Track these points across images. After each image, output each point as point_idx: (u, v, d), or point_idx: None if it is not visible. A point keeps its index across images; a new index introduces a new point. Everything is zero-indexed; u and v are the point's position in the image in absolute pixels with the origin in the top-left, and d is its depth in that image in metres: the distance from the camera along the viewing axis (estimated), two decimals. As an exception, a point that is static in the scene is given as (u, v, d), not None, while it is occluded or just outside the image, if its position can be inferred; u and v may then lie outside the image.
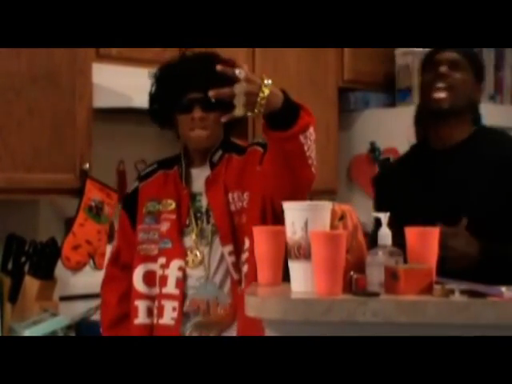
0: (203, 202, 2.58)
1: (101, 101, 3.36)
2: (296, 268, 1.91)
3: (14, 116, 3.16)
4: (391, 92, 4.51)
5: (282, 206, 1.96)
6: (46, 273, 3.30)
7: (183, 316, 2.51)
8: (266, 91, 2.14)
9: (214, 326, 2.50)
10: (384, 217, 1.99)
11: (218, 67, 2.19)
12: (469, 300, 1.83)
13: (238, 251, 2.49)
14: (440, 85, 2.53)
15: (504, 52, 4.46)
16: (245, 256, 2.46)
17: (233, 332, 2.48)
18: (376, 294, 1.85)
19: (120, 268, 2.69)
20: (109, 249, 3.42)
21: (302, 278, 1.90)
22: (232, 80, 2.23)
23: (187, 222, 2.57)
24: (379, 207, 2.64)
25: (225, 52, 3.69)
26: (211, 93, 2.20)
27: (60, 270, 3.33)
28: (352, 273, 1.91)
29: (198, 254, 2.53)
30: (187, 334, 2.51)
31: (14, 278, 3.29)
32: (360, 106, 4.50)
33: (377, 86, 4.52)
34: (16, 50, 3.09)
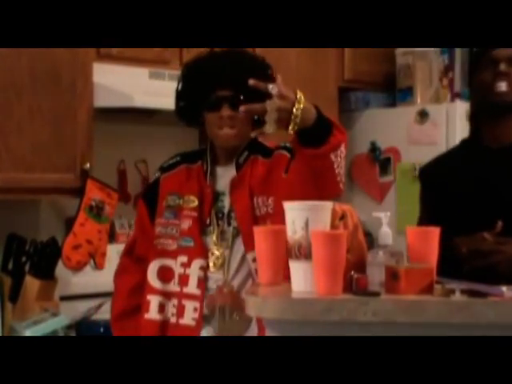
0: (226, 202, 2.53)
1: (101, 100, 3.36)
2: (296, 268, 1.91)
3: (15, 115, 3.16)
4: (392, 92, 4.51)
5: None
6: (46, 272, 3.30)
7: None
8: (300, 108, 2.12)
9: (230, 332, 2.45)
10: (384, 217, 1.99)
11: (251, 82, 2.17)
12: (469, 300, 1.83)
13: None
14: (501, 83, 2.46)
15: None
16: None
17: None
18: (376, 294, 1.85)
19: (134, 260, 2.63)
20: (109, 248, 3.44)
21: (303, 278, 1.90)
22: (265, 81, 2.24)
23: (208, 222, 2.52)
24: (426, 200, 2.62)
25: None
26: (242, 108, 2.18)
27: (60, 269, 3.33)
28: (352, 272, 1.91)
29: (219, 256, 2.49)
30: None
31: (14, 278, 3.29)
32: (360, 105, 4.50)
33: (377, 85, 4.52)
34: (17, 50, 3.09)
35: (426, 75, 4.40)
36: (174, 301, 2.50)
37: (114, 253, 3.34)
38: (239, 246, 2.50)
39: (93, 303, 3.30)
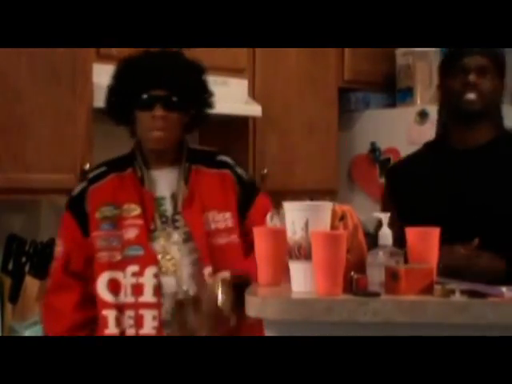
0: (167, 206, 2.51)
1: (101, 101, 3.34)
2: (296, 268, 1.91)
3: (15, 116, 3.16)
4: (391, 92, 4.51)
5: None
6: (46, 273, 3.28)
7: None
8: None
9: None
10: (385, 217, 1.99)
11: None
12: (469, 300, 1.83)
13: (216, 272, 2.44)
14: (470, 93, 2.51)
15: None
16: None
17: None
18: (376, 294, 1.85)
19: (71, 276, 2.54)
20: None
21: (303, 278, 1.90)
22: (195, 77, 2.38)
23: (152, 227, 2.48)
24: (392, 199, 2.64)
25: (226, 51, 3.72)
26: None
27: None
28: (352, 273, 1.91)
29: (170, 260, 2.46)
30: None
31: (14, 278, 3.29)
32: (360, 106, 4.50)
33: (377, 86, 4.52)
34: (17, 50, 3.09)
35: (426, 76, 4.40)
36: (130, 312, 2.44)
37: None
38: (190, 250, 2.48)
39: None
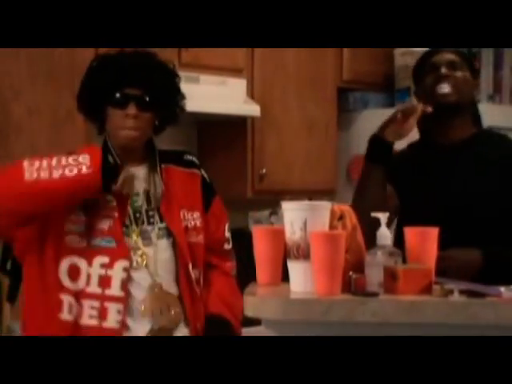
0: (140, 202, 2.50)
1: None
2: (295, 268, 1.91)
3: (13, 116, 3.16)
4: (390, 92, 4.51)
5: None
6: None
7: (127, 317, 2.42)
8: None
9: (168, 330, 2.46)
10: (383, 217, 1.99)
11: None
12: (468, 300, 1.83)
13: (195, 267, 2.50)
14: (443, 84, 2.57)
15: (503, 52, 4.47)
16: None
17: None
18: (375, 294, 1.85)
19: None
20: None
21: (302, 278, 1.90)
22: (168, 78, 2.43)
23: (127, 223, 2.48)
24: None
25: (225, 51, 3.72)
26: None
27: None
28: (351, 273, 1.91)
29: (142, 255, 2.46)
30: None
31: (12, 278, 3.27)
32: (359, 106, 4.50)
33: (376, 86, 4.52)
34: (15, 50, 3.09)
35: (425, 75, 4.40)
36: (94, 303, 2.41)
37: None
38: (166, 246, 2.50)
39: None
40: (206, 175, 2.65)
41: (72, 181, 2.32)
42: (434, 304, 1.82)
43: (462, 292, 1.86)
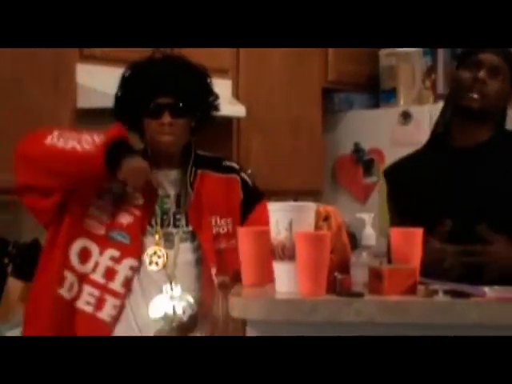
0: (170, 204, 2.55)
1: (85, 101, 3.35)
2: (280, 268, 1.91)
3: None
4: (375, 93, 4.52)
5: None
6: (29, 274, 3.27)
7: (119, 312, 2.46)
8: None
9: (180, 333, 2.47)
10: (368, 217, 1.99)
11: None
12: (452, 300, 1.84)
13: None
14: (475, 91, 2.49)
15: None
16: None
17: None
18: (360, 295, 1.85)
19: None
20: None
21: (286, 279, 1.90)
22: (199, 81, 2.44)
23: (152, 223, 2.52)
24: (391, 198, 2.64)
25: (210, 51, 3.71)
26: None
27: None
28: (336, 273, 1.91)
29: (161, 256, 2.49)
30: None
31: (-4, 279, 3.27)
32: (344, 106, 4.51)
33: (361, 86, 4.53)
34: (-1, 50, 3.08)
35: (410, 76, 4.41)
36: (94, 291, 2.47)
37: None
38: (189, 249, 2.53)
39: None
40: (248, 180, 2.66)
41: (78, 153, 2.36)
42: (419, 304, 1.82)
43: (446, 292, 1.87)
